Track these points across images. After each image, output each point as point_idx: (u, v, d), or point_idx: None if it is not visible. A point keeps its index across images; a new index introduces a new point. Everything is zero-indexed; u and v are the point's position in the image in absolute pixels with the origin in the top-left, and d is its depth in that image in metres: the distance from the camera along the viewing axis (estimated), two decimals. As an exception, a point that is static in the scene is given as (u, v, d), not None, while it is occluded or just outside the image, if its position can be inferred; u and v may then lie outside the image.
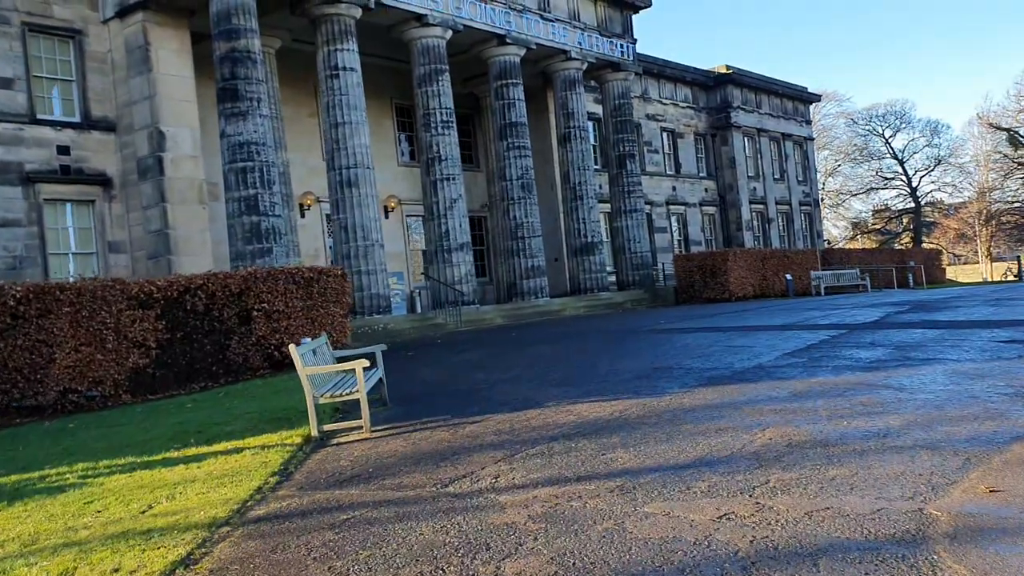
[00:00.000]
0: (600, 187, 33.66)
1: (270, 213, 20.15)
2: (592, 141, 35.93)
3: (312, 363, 8.48)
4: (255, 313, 15.93)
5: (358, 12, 22.63)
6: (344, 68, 22.27)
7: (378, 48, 26.86)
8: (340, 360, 9.80)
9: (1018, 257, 47.66)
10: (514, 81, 27.43)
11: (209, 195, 22.48)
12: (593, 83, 33.33)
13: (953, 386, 8.39)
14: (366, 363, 8.05)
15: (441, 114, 24.90)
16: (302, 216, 27.11)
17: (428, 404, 9.57)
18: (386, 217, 30.14)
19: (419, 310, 28.10)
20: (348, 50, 22.33)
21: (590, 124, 34.95)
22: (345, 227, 22.27)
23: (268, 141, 20.40)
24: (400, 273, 30.30)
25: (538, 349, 14.94)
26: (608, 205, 33.33)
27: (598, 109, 33.91)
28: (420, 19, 24.33)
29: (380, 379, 9.50)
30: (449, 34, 25.09)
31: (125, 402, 13.85)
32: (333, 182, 22.49)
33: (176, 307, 14.91)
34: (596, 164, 35.23)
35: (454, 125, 25.25)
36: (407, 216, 30.65)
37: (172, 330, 14.82)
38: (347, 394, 7.98)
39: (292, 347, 7.89)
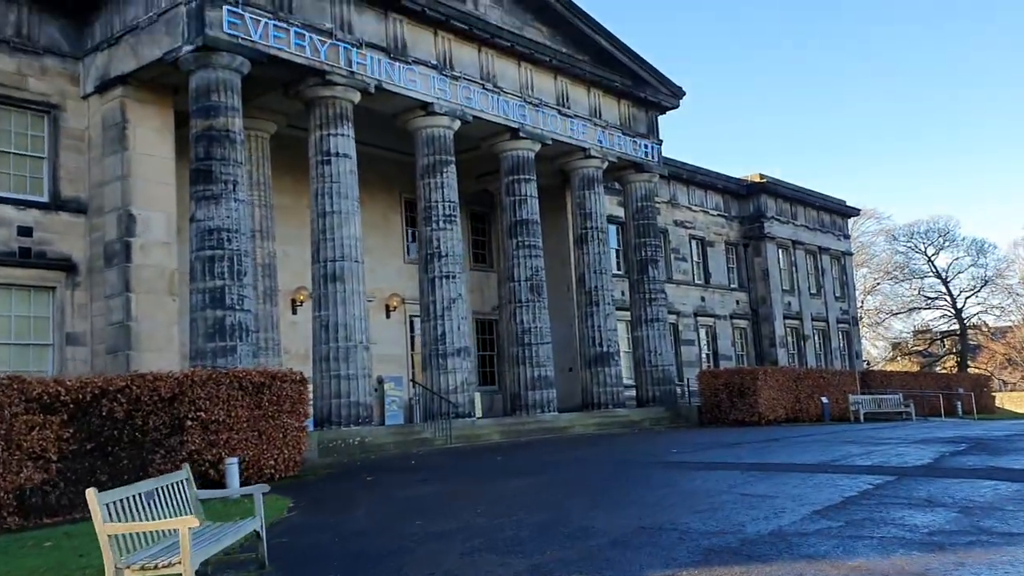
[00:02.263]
0: (622, 293, 31.38)
1: (237, 307, 18.02)
2: (615, 245, 33.94)
3: (140, 513, 6.05)
4: (189, 423, 13.56)
5: (356, 96, 20.97)
6: (337, 154, 20.46)
7: (390, 141, 25.30)
8: (206, 501, 7.35)
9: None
10: (526, 177, 25.52)
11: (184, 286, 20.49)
12: (616, 185, 31.44)
13: (1060, 593, 5.72)
14: (194, 522, 5.62)
15: (444, 207, 22.93)
16: (294, 312, 25.04)
17: (319, 572, 7.04)
18: (387, 317, 28.06)
19: (416, 420, 25.60)
20: (342, 135, 20.57)
21: (612, 228, 32.97)
22: (326, 325, 20.04)
23: (242, 228, 18.44)
24: (399, 378, 27.93)
25: (513, 484, 12.32)
26: (630, 313, 30.90)
27: (621, 212, 31.88)
28: (426, 107, 22.64)
29: (256, 532, 7.03)
30: (457, 124, 23.35)
31: (9, 527, 11.43)
32: (317, 276, 20.41)
33: (89, 413, 12.59)
34: (618, 269, 33.07)
35: (457, 220, 23.25)
36: (411, 317, 28.39)
37: (82, 440, 12.47)
38: (164, 565, 5.52)
39: (91, 493, 5.49)
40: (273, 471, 14.60)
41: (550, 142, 26.11)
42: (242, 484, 13.54)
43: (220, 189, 18.18)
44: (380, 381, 27.24)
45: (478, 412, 26.28)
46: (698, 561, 6.85)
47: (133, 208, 19.51)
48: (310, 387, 19.17)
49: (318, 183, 20.55)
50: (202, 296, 17.97)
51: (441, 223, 22.85)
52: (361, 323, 20.36)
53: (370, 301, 25.86)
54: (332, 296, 20.06)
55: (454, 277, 22.86)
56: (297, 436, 15.08)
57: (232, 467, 12.44)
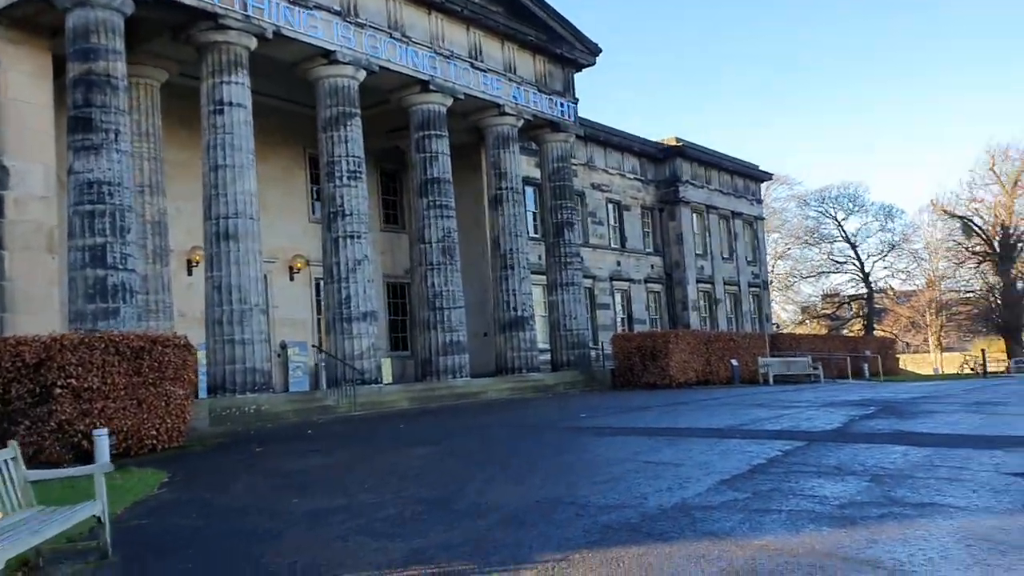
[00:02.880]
0: (539, 257, 30.76)
1: (120, 266, 16.74)
2: (532, 208, 33.28)
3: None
4: (58, 391, 12.42)
5: (252, 42, 19.67)
6: (230, 103, 19.17)
7: (294, 92, 23.94)
8: (38, 482, 6.43)
9: (983, 350, 45.45)
10: (437, 132, 24.54)
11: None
12: (532, 145, 30.69)
13: (979, 570, 5.28)
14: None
15: (348, 163, 21.82)
16: (189, 273, 23.65)
17: (169, 562, 6.21)
18: (291, 279, 26.87)
19: (323, 385, 24.63)
20: (237, 83, 19.27)
21: (530, 190, 32.29)
22: (219, 287, 18.86)
23: (125, 181, 17.10)
24: (304, 343, 26.86)
25: (410, 454, 11.59)
26: (546, 277, 30.34)
27: (538, 174, 31.17)
28: (328, 56, 21.42)
29: (97, 518, 6.17)
30: (362, 75, 22.19)
31: None
32: (209, 234, 19.17)
33: (-60, 381, 11.40)
34: (535, 233, 32.40)
35: (363, 176, 22.16)
36: (317, 279, 27.22)
37: (-69, 411, 11.29)
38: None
39: None
40: (155, 442, 13.57)
41: (462, 96, 25.15)
42: (120, 456, 12.56)
43: (101, 139, 16.78)
44: (283, 346, 26.18)
45: (387, 378, 25.46)
46: (594, 541, 6.25)
47: (6, 159, 17.93)
48: (201, 353, 18.11)
49: (210, 134, 19.26)
50: (81, 254, 16.64)
51: (345, 179, 21.77)
52: (257, 284, 19.25)
53: (272, 262, 24.73)
54: (225, 256, 18.88)
55: (359, 237, 21.85)
56: (182, 405, 14.04)
57: (101, 439, 11.36)
